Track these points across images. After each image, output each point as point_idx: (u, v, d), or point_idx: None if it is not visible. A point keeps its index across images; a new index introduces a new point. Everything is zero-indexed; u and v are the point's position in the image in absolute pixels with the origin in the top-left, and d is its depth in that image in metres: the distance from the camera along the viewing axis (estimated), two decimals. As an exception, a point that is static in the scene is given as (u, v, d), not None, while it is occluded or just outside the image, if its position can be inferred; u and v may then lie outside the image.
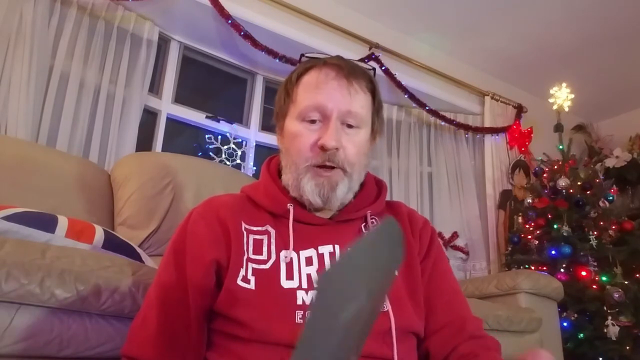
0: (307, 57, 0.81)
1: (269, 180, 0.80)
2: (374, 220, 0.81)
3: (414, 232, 0.82)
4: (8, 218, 0.96)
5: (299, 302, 0.67)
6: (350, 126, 0.75)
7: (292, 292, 0.68)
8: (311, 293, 0.69)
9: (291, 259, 0.71)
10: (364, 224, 0.79)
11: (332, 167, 0.73)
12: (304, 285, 0.69)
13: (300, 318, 0.66)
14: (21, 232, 0.95)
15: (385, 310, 0.68)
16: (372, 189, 0.84)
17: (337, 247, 0.75)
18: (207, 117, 2.55)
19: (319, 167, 0.73)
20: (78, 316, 0.79)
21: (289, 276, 0.70)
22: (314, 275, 0.71)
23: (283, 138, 0.80)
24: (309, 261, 0.72)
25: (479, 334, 0.77)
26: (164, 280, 0.72)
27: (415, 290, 0.74)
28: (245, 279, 0.69)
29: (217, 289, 0.69)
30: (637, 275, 2.45)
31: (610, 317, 2.21)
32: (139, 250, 1.20)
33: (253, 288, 0.68)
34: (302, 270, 0.71)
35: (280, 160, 0.82)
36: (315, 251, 0.73)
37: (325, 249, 0.74)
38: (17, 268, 0.74)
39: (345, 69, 0.75)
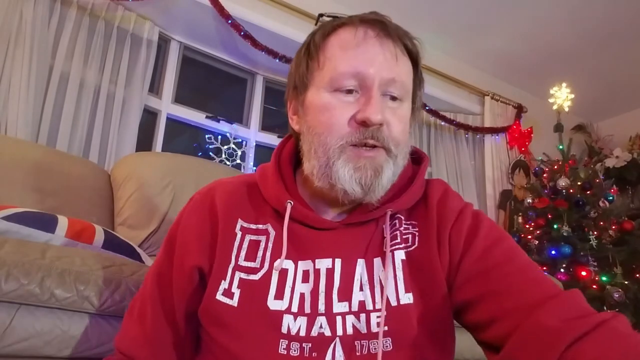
0: (329, 16, 0.66)
1: (274, 168, 0.67)
2: (397, 220, 0.64)
3: (441, 233, 0.62)
4: (8, 218, 0.96)
5: (284, 329, 0.56)
6: (393, 98, 0.60)
7: (279, 315, 0.57)
8: (300, 320, 0.57)
9: (286, 270, 0.60)
10: (384, 224, 0.63)
11: (374, 147, 0.59)
12: (294, 308, 0.57)
13: (284, 348, 0.55)
14: (21, 232, 0.95)
15: (374, 353, 0.55)
16: (405, 172, 0.66)
17: (338, 261, 0.60)
18: (207, 117, 2.55)
19: (358, 147, 0.58)
20: (78, 316, 0.79)
21: (279, 294, 0.58)
22: (307, 297, 0.58)
23: (304, 116, 0.63)
24: (305, 276, 0.59)
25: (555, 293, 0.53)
26: (159, 271, 0.66)
27: (430, 320, 0.58)
28: (228, 293, 0.59)
29: (202, 294, 0.62)
30: (637, 275, 2.45)
31: (610, 317, 2.20)
32: (139, 250, 1.20)
33: (235, 305, 0.58)
34: (295, 287, 0.59)
35: (302, 147, 0.65)
36: (312, 264, 0.60)
37: (323, 264, 0.60)
38: (17, 268, 0.74)
39: (388, 26, 0.61)
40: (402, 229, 0.64)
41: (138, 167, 1.70)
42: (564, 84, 2.99)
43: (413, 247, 0.62)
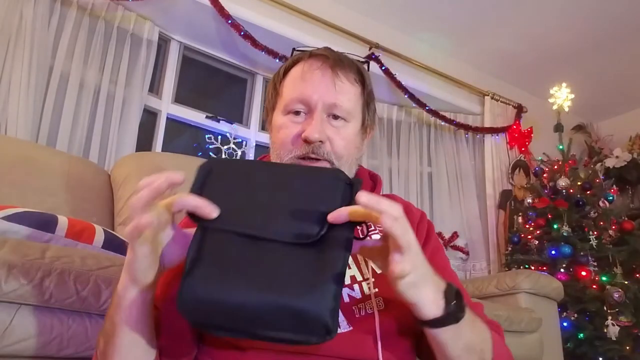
0: (298, 50, 0.79)
1: None
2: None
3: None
4: (8, 218, 0.96)
5: None
6: (336, 118, 0.72)
7: None
8: None
9: None
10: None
11: (317, 159, 0.69)
12: None
13: None
14: (21, 232, 0.95)
15: (370, 312, 0.64)
16: (367, 183, 0.80)
17: None
18: (207, 117, 2.55)
19: (302, 159, 0.69)
20: (78, 316, 0.79)
21: None
22: None
23: (271, 133, 0.78)
24: None
25: (480, 315, 0.72)
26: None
27: None
28: None
29: None
30: (637, 275, 2.45)
31: (610, 317, 2.21)
32: (139, 250, 1.20)
33: None
34: None
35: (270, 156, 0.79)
36: None
37: None
38: (17, 268, 0.74)
39: (330, 59, 0.72)
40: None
41: (138, 167, 1.70)
42: (564, 84, 2.99)
43: None
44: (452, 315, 0.54)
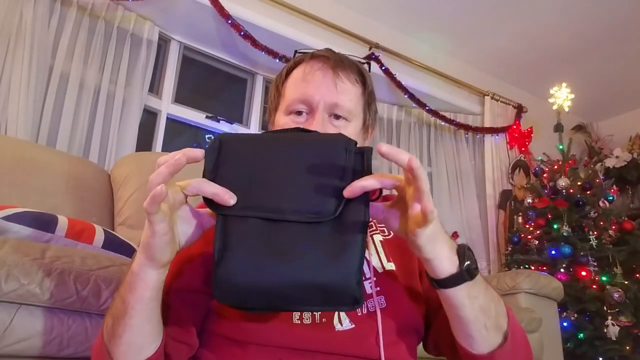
0: (299, 52, 0.80)
1: None
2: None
3: None
4: (8, 218, 0.96)
5: None
6: (338, 117, 0.73)
7: None
8: None
9: None
10: None
11: None
12: None
13: (297, 319, 0.63)
14: (21, 232, 0.95)
15: (373, 310, 0.65)
16: None
17: None
18: (207, 117, 2.55)
19: None
20: (78, 316, 0.79)
21: None
22: None
23: None
24: None
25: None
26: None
27: (412, 285, 0.71)
28: None
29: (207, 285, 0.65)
30: (637, 275, 2.45)
31: (610, 317, 2.21)
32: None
33: None
34: None
35: None
36: None
37: None
38: (17, 268, 0.74)
39: (331, 60, 0.74)
40: (375, 221, 0.74)
41: (138, 167, 1.70)
42: (564, 84, 2.99)
43: (390, 236, 0.75)
44: (467, 271, 0.54)
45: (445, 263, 0.54)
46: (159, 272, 0.53)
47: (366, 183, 0.49)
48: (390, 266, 0.71)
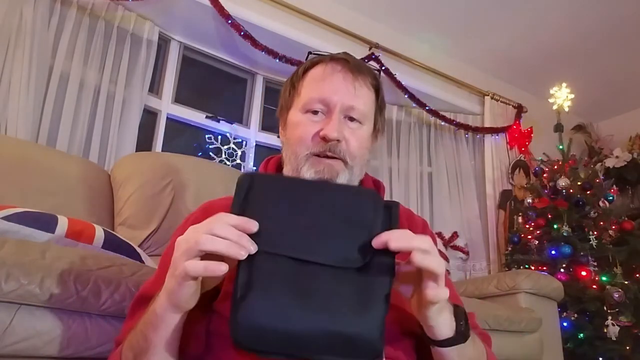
0: (314, 54, 0.81)
1: None
2: None
3: (412, 231, 0.82)
4: (8, 218, 0.96)
5: None
6: (352, 120, 0.75)
7: None
8: None
9: None
10: None
11: (333, 157, 0.73)
12: None
13: None
14: (21, 232, 0.95)
15: None
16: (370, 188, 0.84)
17: None
18: (207, 117, 2.55)
19: (318, 156, 0.73)
20: (78, 316, 0.79)
21: None
22: None
23: (285, 130, 0.80)
24: None
25: (474, 326, 0.77)
26: (156, 280, 0.69)
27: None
28: None
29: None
30: (637, 275, 2.45)
31: (610, 317, 2.21)
32: (139, 250, 1.20)
33: None
34: None
35: (282, 154, 0.81)
36: None
37: None
38: (17, 268, 0.74)
39: (351, 63, 0.76)
40: None
41: (138, 167, 1.70)
42: (564, 84, 2.99)
43: None
44: (461, 335, 0.58)
45: (444, 328, 0.57)
46: (182, 315, 0.54)
47: (391, 238, 0.50)
48: None
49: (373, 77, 0.79)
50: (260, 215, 0.51)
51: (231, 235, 0.48)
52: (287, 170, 0.76)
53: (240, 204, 0.52)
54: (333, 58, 0.77)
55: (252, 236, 0.50)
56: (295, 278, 0.49)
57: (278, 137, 0.86)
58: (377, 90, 0.80)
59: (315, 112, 0.74)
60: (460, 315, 0.59)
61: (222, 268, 0.48)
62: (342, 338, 0.48)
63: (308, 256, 0.50)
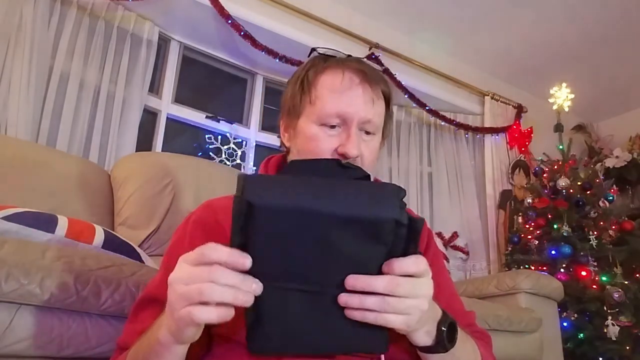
0: (319, 53, 0.78)
1: None
2: None
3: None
4: (8, 218, 0.96)
5: None
6: (367, 133, 0.74)
7: None
8: None
9: None
10: None
11: None
12: None
13: None
14: (21, 232, 0.95)
15: None
16: None
17: None
18: (207, 117, 2.55)
19: None
20: (78, 316, 0.79)
21: None
22: None
23: (295, 138, 0.76)
24: None
25: (472, 324, 0.78)
26: (160, 280, 0.69)
27: None
28: None
29: None
30: (637, 275, 2.45)
31: (610, 317, 2.21)
32: (139, 250, 1.20)
33: None
34: None
35: (286, 158, 0.79)
36: None
37: None
38: (17, 268, 0.74)
39: (368, 74, 0.73)
40: None
41: (138, 167, 1.70)
42: (564, 84, 2.99)
43: None
44: (441, 344, 0.58)
45: (422, 337, 0.57)
46: (185, 345, 0.54)
47: (403, 269, 0.50)
48: None
49: (385, 85, 0.77)
50: (261, 243, 0.47)
51: (234, 281, 0.46)
52: None
53: (239, 233, 0.47)
54: (347, 65, 0.74)
55: (255, 267, 0.47)
56: (305, 306, 0.49)
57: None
58: (388, 98, 0.78)
59: (332, 127, 0.72)
60: (445, 323, 0.58)
61: (232, 313, 0.47)
62: (352, 349, 0.53)
63: (316, 288, 0.49)
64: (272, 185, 0.48)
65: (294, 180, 0.50)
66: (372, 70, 0.75)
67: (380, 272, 0.49)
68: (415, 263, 0.50)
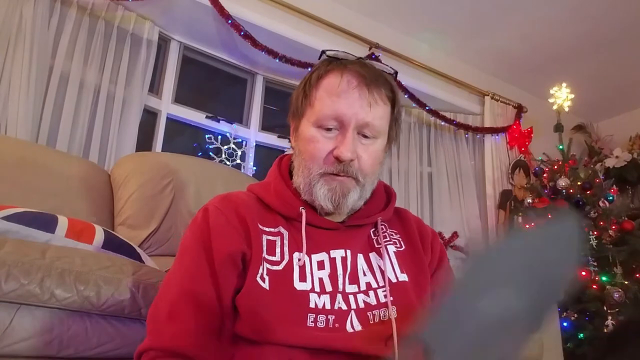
0: (328, 55, 0.78)
1: (281, 182, 0.79)
2: (383, 226, 0.81)
3: (424, 243, 0.83)
4: (8, 218, 0.96)
5: (312, 304, 0.68)
6: (366, 136, 0.74)
7: (305, 294, 0.68)
8: (323, 297, 0.69)
9: (304, 262, 0.71)
10: (373, 229, 0.81)
11: (346, 176, 0.73)
12: (317, 288, 0.69)
13: (312, 321, 0.66)
14: (21, 232, 0.95)
15: (385, 319, 0.69)
16: (382, 196, 0.84)
17: (348, 252, 0.75)
18: (207, 117, 2.55)
19: (330, 175, 0.73)
20: (78, 316, 0.79)
21: (302, 278, 0.70)
22: (326, 280, 0.71)
23: (297, 139, 0.79)
24: (320, 265, 0.72)
25: None
26: (193, 274, 0.68)
27: (423, 298, 0.75)
28: (262, 278, 0.68)
29: (240, 283, 0.68)
30: (637, 275, 2.44)
31: (610, 317, 2.21)
32: (139, 250, 1.20)
33: (267, 288, 0.67)
34: (314, 273, 0.71)
35: (293, 160, 0.81)
36: (327, 255, 0.74)
37: (337, 254, 0.75)
38: (17, 268, 0.74)
39: (367, 77, 0.73)
40: (388, 232, 0.82)
41: (138, 167, 1.70)
42: (564, 84, 2.99)
43: (402, 248, 0.81)
44: None
45: None
46: None
47: None
48: (404, 277, 0.76)
49: (389, 88, 0.76)
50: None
51: None
52: (298, 181, 0.77)
53: None
54: (348, 68, 0.74)
55: None
56: None
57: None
58: (394, 102, 0.78)
59: (328, 129, 0.73)
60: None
61: None
62: None
63: None
64: None
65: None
66: (373, 73, 0.75)
67: None
68: None
